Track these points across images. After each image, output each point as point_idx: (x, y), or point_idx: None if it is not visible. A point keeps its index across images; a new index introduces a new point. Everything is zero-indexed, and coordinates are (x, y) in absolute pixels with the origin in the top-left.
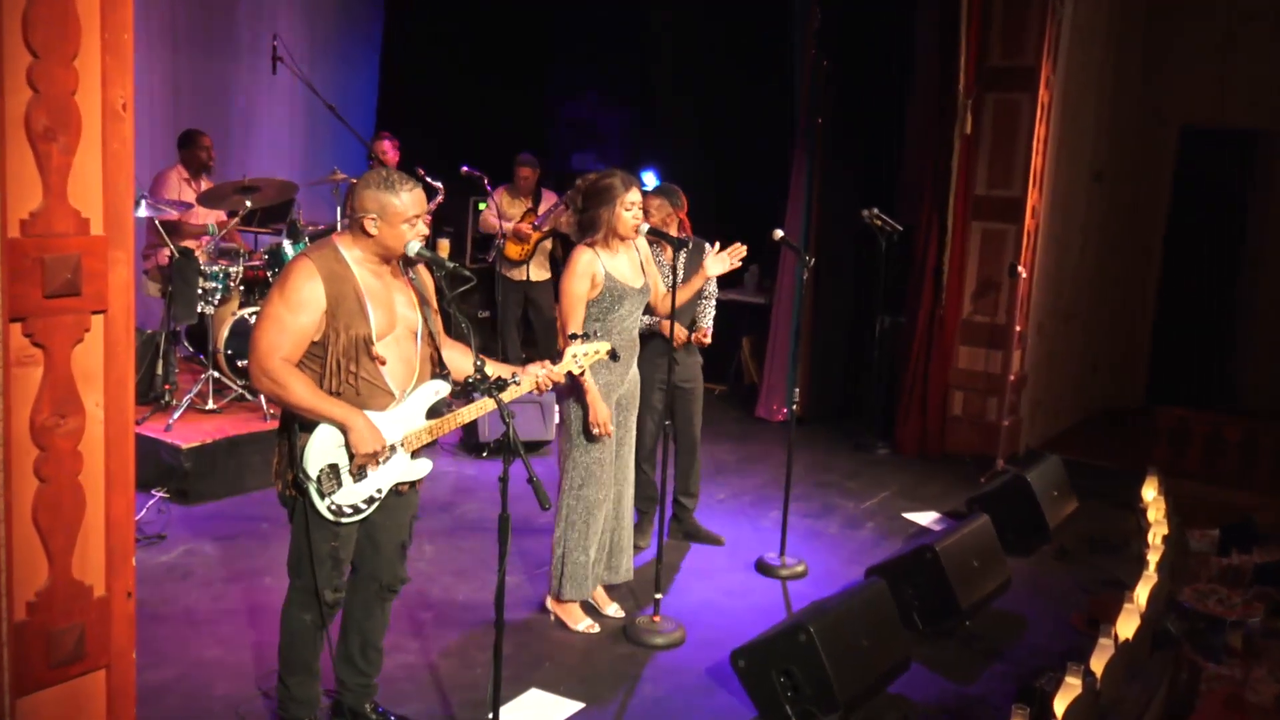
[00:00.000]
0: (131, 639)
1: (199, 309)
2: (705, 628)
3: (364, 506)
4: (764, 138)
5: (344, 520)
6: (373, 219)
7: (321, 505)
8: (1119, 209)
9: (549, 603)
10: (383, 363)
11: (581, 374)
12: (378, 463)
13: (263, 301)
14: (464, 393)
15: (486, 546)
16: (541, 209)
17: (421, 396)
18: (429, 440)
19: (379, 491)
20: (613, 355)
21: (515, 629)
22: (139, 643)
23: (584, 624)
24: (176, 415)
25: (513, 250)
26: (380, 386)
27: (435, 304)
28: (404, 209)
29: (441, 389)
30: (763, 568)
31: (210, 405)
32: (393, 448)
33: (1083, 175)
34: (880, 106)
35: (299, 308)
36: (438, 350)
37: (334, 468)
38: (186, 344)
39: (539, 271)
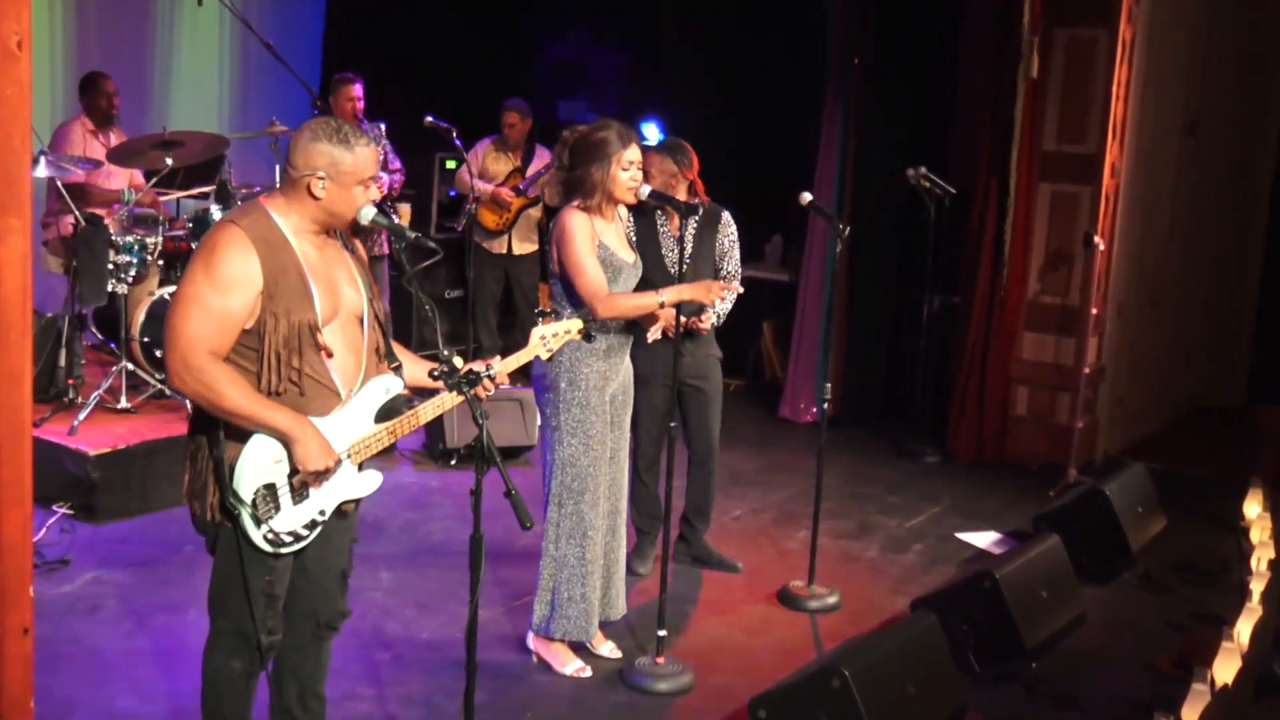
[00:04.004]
0: (28, 685)
1: (109, 288)
2: (718, 671)
3: (305, 533)
4: (790, 83)
5: (283, 551)
6: (321, 179)
7: (257, 534)
8: (1216, 167)
9: (531, 641)
10: (330, 355)
11: (555, 366)
12: (323, 479)
13: (182, 280)
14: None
15: (455, 574)
16: (531, 169)
17: (370, 396)
18: (379, 449)
19: (322, 514)
20: (586, 335)
21: (491, 672)
22: (37, 690)
23: (573, 666)
24: (83, 415)
25: (489, 218)
26: (325, 385)
27: (375, 283)
28: (359, 167)
29: (393, 386)
30: (787, 599)
31: (123, 404)
32: (338, 460)
33: (1173, 127)
34: (929, 45)
35: (229, 287)
36: (385, 338)
37: (271, 488)
38: (94, 330)
39: (522, 244)
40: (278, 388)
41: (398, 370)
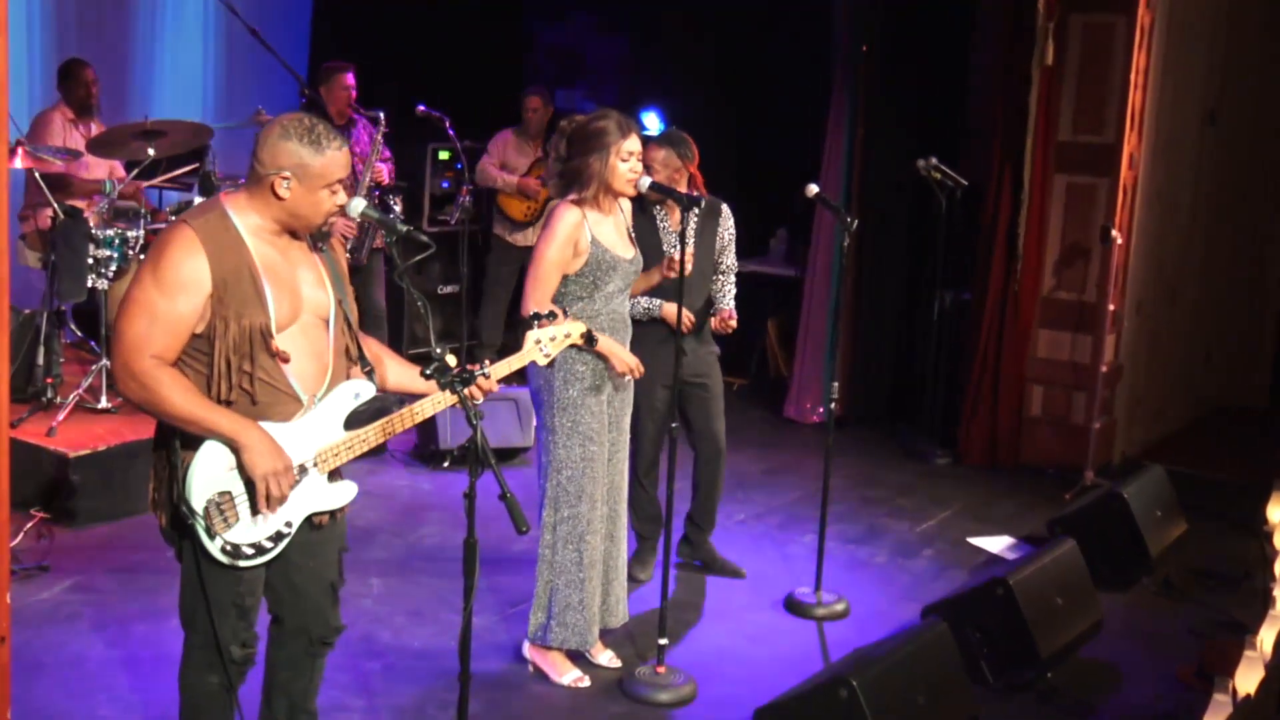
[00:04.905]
0: (5, 695)
1: (89, 283)
2: (721, 681)
3: (269, 545)
4: (796, 71)
5: (242, 564)
6: (286, 179)
7: (213, 546)
8: (1238, 158)
9: (527, 650)
10: (285, 360)
11: (550, 365)
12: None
13: (131, 281)
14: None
15: (448, 580)
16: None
17: (337, 402)
18: (351, 457)
19: (288, 525)
20: (588, 339)
21: (485, 683)
22: (14, 699)
23: (571, 676)
24: (62, 416)
25: (516, 208)
26: (284, 391)
27: (350, 284)
28: (327, 170)
29: (363, 390)
30: (793, 606)
31: (103, 403)
32: (303, 469)
33: (1193, 116)
34: (940, 31)
35: (176, 290)
36: (356, 341)
37: (226, 497)
38: (74, 327)
39: None
40: (229, 395)
41: (370, 375)
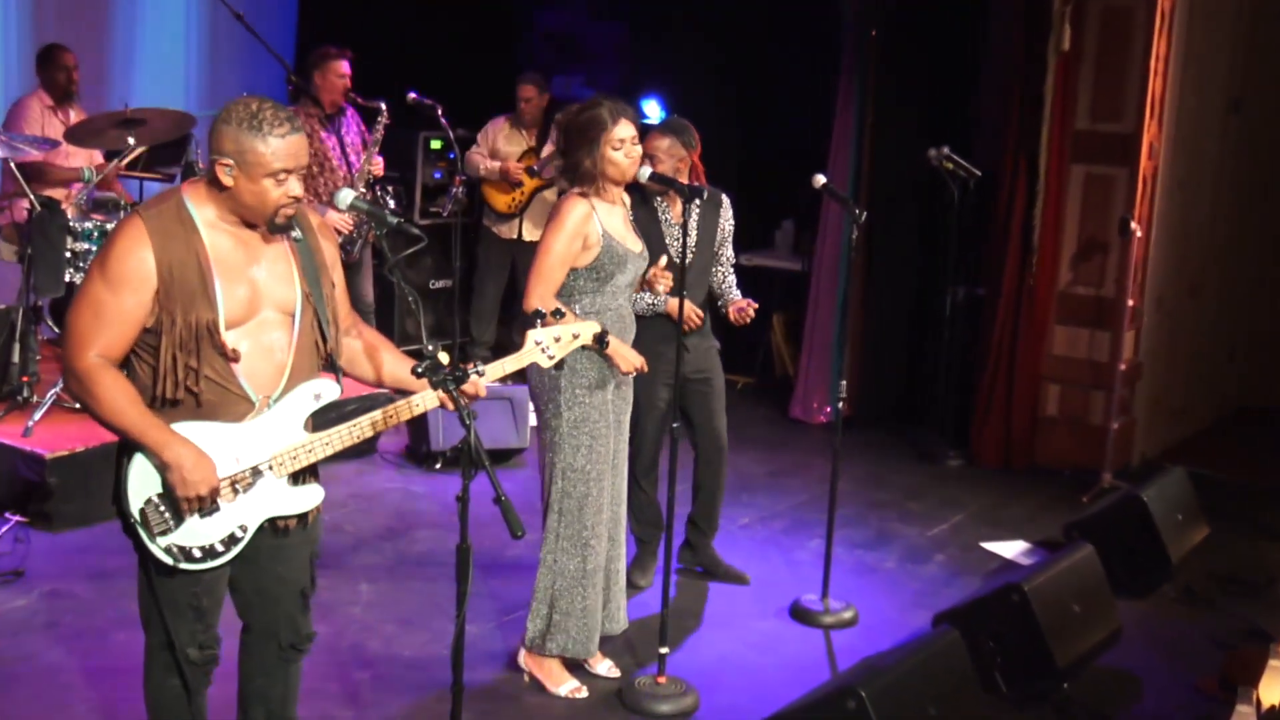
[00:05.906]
0: None
1: (66, 278)
2: (725, 691)
3: (222, 548)
4: (802, 57)
5: (191, 566)
6: (228, 166)
7: (155, 547)
8: (1262, 148)
9: (523, 658)
10: (235, 358)
11: (558, 366)
12: (234, 493)
13: (85, 275)
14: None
15: (441, 587)
16: (546, 150)
17: (296, 403)
18: (313, 460)
19: (242, 530)
20: (600, 341)
21: (479, 693)
22: None
23: (568, 686)
24: (38, 415)
25: (499, 199)
26: (233, 391)
27: (335, 277)
28: (268, 158)
29: (325, 391)
30: (800, 613)
31: None
32: (256, 471)
33: (1216, 104)
34: (952, 15)
35: (121, 284)
36: (326, 340)
37: (166, 498)
38: (51, 323)
39: (534, 230)
40: (174, 394)
41: (338, 375)
